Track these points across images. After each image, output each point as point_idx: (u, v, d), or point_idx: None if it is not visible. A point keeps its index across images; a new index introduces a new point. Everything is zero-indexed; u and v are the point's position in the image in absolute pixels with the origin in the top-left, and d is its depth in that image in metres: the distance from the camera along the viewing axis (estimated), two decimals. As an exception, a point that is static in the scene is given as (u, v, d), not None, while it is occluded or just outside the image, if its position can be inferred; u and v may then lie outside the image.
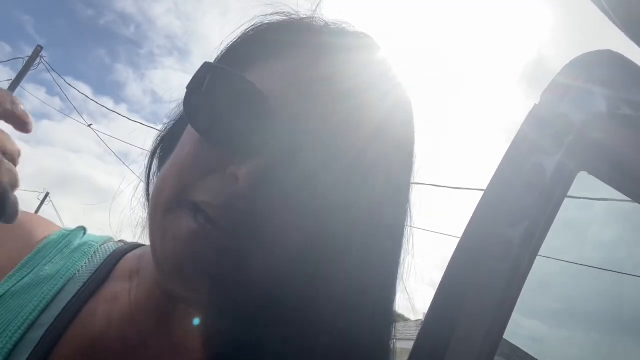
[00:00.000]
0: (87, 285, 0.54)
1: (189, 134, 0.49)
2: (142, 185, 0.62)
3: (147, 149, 0.61)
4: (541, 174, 0.44)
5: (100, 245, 0.62)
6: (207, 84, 0.48)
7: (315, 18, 0.57)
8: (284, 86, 0.48)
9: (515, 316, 0.47)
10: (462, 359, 0.41)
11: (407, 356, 0.42)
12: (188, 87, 0.49)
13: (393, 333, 0.53)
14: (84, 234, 0.64)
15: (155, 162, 0.61)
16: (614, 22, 0.55)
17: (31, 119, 0.45)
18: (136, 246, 0.64)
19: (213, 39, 0.59)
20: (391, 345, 0.53)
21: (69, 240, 0.61)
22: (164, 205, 0.47)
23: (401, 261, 0.56)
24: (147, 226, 0.50)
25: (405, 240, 0.56)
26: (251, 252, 0.46)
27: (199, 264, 0.44)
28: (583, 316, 1.04)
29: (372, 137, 0.50)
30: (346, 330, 0.48)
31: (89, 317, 0.52)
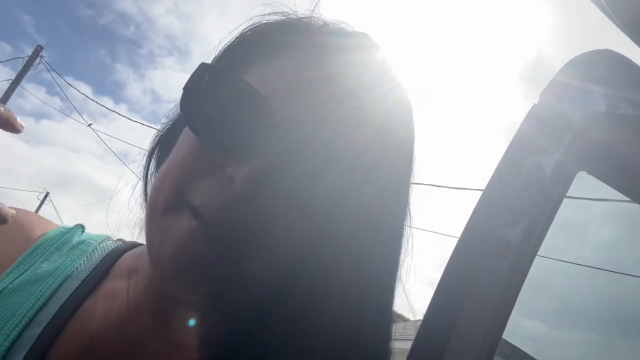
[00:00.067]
0: (85, 283, 0.54)
1: (187, 134, 0.49)
2: (140, 185, 0.62)
3: (146, 149, 0.61)
4: (540, 174, 0.44)
5: (99, 244, 0.62)
6: (204, 85, 0.48)
7: (314, 18, 0.57)
8: (284, 86, 0.48)
9: (514, 316, 0.47)
10: (461, 358, 0.41)
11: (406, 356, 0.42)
12: (185, 88, 0.49)
13: (392, 333, 0.53)
14: (82, 232, 0.64)
15: (153, 162, 0.61)
16: (614, 22, 0.55)
17: (15, 119, 0.44)
18: (134, 245, 0.63)
19: (213, 39, 0.59)
20: (390, 346, 0.53)
21: (67, 238, 0.61)
22: (162, 205, 0.47)
23: (400, 261, 0.56)
24: (145, 226, 0.50)
25: (404, 241, 0.56)
26: (249, 253, 0.45)
27: (196, 265, 0.44)
28: (582, 316, 1.04)
29: (373, 137, 0.50)
30: (345, 331, 0.48)
31: (87, 314, 0.51)
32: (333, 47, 0.52)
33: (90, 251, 0.60)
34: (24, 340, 0.48)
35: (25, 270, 0.54)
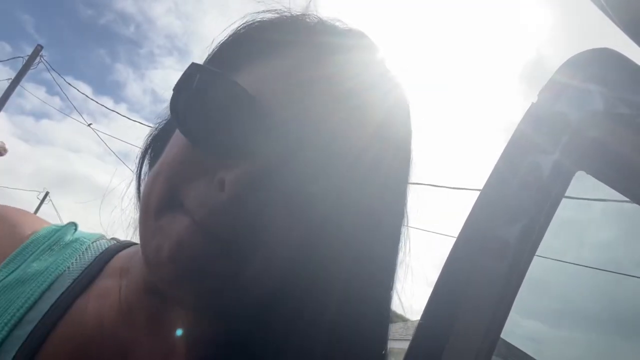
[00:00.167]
0: (77, 282, 0.53)
1: (178, 136, 0.48)
2: (134, 185, 0.62)
3: (140, 148, 0.61)
4: (538, 173, 0.44)
5: (92, 243, 0.61)
6: (194, 86, 0.47)
7: (309, 15, 0.56)
8: (282, 87, 0.47)
9: (514, 316, 0.47)
10: (459, 358, 0.40)
11: (405, 356, 0.42)
12: (175, 89, 0.47)
13: (390, 333, 0.53)
14: (75, 230, 0.63)
15: (147, 162, 0.60)
16: (614, 21, 0.55)
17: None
18: (129, 244, 0.62)
19: (213, 39, 0.58)
20: (388, 346, 0.53)
21: (59, 237, 0.59)
22: (155, 206, 0.46)
23: (399, 262, 0.55)
24: (139, 226, 0.49)
25: (403, 241, 0.56)
26: (246, 254, 0.45)
27: (194, 264, 0.44)
28: (581, 316, 1.04)
29: (373, 137, 0.50)
30: (344, 331, 0.48)
31: (79, 314, 0.51)
32: (331, 46, 0.52)
33: (83, 250, 0.58)
34: (13, 339, 0.47)
35: (15, 269, 0.54)
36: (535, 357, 0.92)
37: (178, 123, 0.47)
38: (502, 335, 0.48)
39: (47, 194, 23.75)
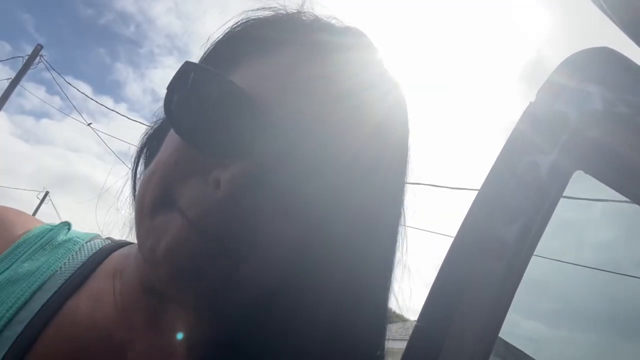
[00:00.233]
0: (70, 282, 0.53)
1: (173, 135, 0.48)
2: (130, 185, 0.61)
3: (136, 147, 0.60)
4: (536, 173, 0.43)
5: (86, 242, 0.60)
6: (189, 85, 0.46)
7: (304, 13, 0.56)
8: (277, 86, 0.47)
9: (514, 317, 0.46)
10: (457, 358, 0.40)
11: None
12: (168, 88, 0.47)
13: (387, 333, 0.53)
14: (69, 230, 0.62)
15: (142, 161, 0.60)
16: (613, 21, 0.55)
17: None
18: (124, 244, 0.62)
19: (208, 36, 0.58)
20: (385, 346, 0.53)
21: (51, 236, 0.59)
22: (150, 205, 0.46)
23: (396, 262, 0.55)
24: (135, 226, 0.49)
25: (399, 241, 0.56)
26: (241, 253, 0.45)
27: (190, 263, 0.43)
28: (581, 316, 1.04)
29: (371, 137, 0.49)
30: (340, 331, 0.48)
31: (71, 314, 0.50)
32: (328, 45, 0.52)
33: (77, 250, 0.58)
34: (3, 340, 0.47)
35: (6, 269, 0.53)
36: (534, 358, 0.92)
37: (172, 122, 0.47)
38: (501, 336, 0.48)
39: (47, 193, 23.76)
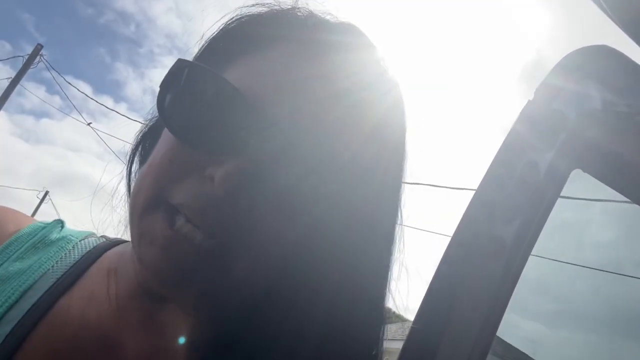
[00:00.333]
0: (61, 281, 0.52)
1: (167, 133, 0.48)
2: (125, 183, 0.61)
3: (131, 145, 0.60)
4: (534, 171, 0.43)
5: (80, 240, 0.59)
6: (182, 82, 0.46)
7: (299, 9, 0.55)
8: (273, 84, 0.46)
9: (514, 317, 0.46)
10: (454, 358, 0.40)
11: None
12: (161, 86, 0.47)
13: (384, 333, 0.52)
14: (62, 227, 0.61)
15: (137, 160, 0.60)
16: (614, 21, 0.55)
17: None
18: (118, 242, 0.61)
19: (203, 33, 0.58)
20: (382, 346, 0.52)
21: (44, 235, 0.58)
22: (141, 206, 0.46)
23: (393, 262, 0.55)
24: (128, 225, 0.49)
25: (396, 241, 0.55)
26: (234, 254, 0.44)
27: (177, 267, 0.43)
28: (581, 317, 1.03)
29: (369, 138, 0.49)
30: (335, 333, 0.47)
31: (62, 313, 0.50)
32: (325, 44, 0.51)
33: (70, 248, 0.57)
34: None
35: None
36: (534, 358, 0.92)
37: (165, 120, 0.47)
38: (501, 337, 0.48)
39: (46, 193, 23.79)
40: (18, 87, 13.38)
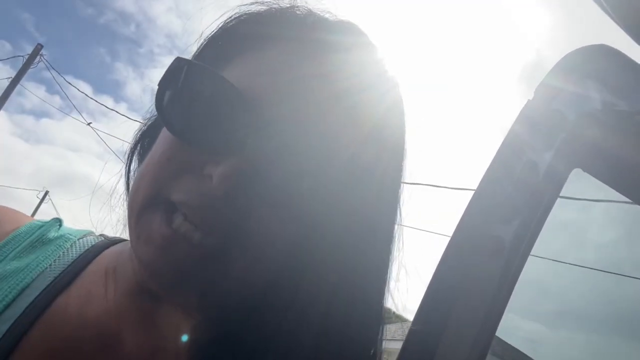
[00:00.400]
0: (59, 280, 0.52)
1: (165, 132, 0.48)
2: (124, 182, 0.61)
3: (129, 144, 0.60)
4: (534, 170, 0.43)
5: (78, 239, 0.59)
6: (180, 81, 0.46)
7: (298, 7, 0.55)
8: (271, 84, 0.46)
9: (514, 318, 0.46)
10: (453, 358, 0.40)
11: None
12: (159, 84, 0.47)
13: (383, 333, 0.52)
14: (60, 226, 0.61)
15: (136, 159, 0.60)
16: (615, 21, 0.55)
17: None
18: (117, 241, 0.61)
19: (201, 32, 0.58)
20: (381, 346, 0.52)
21: (42, 233, 0.58)
22: (140, 204, 0.46)
23: (391, 262, 0.55)
24: (127, 224, 0.49)
25: (395, 242, 0.55)
26: (232, 255, 0.44)
27: (175, 266, 0.43)
28: (582, 317, 1.03)
29: (368, 138, 0.49)
30: (333, 333, 0.47)
31: (59, 312, 0.49)
32: (324, 44, 0.51)
33: (68, 247, 0.57)
34: None
35: None
36: (533, 359, 0.92)
37: (163, 119, 0.47)
38: (501, 337, 0.48)
39: (46, 193, 23.80)
40: (18, 87, 13.39)
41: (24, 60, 13.33)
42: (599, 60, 0.44)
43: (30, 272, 0.52)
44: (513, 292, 0.43)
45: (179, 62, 0.47)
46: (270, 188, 0.44)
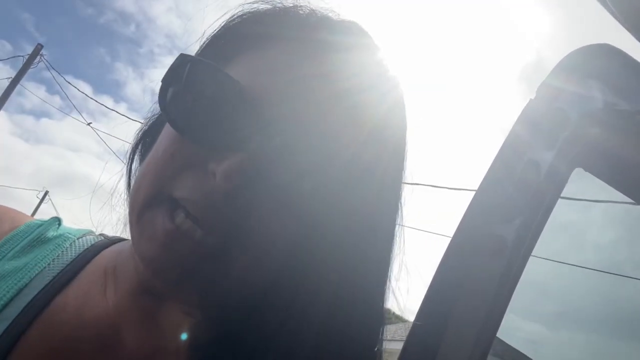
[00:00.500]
0: (58, 279, 0.52)
1: (168, 129, 0.47)
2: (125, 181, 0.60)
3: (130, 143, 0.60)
4: (535, 170, 0.43)
5: (77, 238, 0.59)
6: (184, 77, 0.46)
7: (301, 6, 0.55)
8: (273, 83, 0.46)
9: (514, 318, 0.46)
10: (454, 357, 0.40)
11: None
12: (163, 81, 0.47)
13: (383, 334, 0.52)
14: (59, 225, 0.60)
15: (137, 158, 0.59)
16: (619, 20, 0.54)
17: None
18: (117, 240, 0.61)
19: (204, 30, 0.58)
20: (382, 346, 0.52)
21: (40, 232, 0.57)
22: (142, 201, 0.45)
23: (392, 262, 0.54)
24: (128, 222, 0.49)
25: (396, 242, 0.55)
26: (234, 250, 0.44)
27: (177, 263, 0.43)
28: (583, 318, 1.03)
29: (369, 138, 0.49)
30: (333, 333, 0.47)
31: (58, 312, 0.49)
32: (326, 43, 0.51)
33: (67, 246, 0.57)
34: None
35: None
36: (530, 357, 0.92)
37: (167, 115, 0.46)
38: (502, 338, 0.47)
39: (46, 193, 23.78)
40: (18, 87, 13.39)
41: (24, 60, 13.33)
42: (601, 60, 0.44)
43: (29, 271, 0.52)
44: (513, 293, 0.42)
45: (183, 59, 0.47)
46: (271, 187, 0.44)
